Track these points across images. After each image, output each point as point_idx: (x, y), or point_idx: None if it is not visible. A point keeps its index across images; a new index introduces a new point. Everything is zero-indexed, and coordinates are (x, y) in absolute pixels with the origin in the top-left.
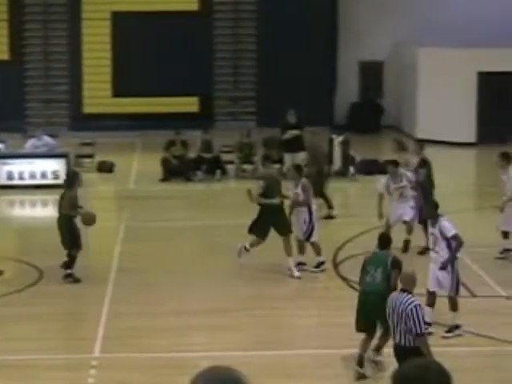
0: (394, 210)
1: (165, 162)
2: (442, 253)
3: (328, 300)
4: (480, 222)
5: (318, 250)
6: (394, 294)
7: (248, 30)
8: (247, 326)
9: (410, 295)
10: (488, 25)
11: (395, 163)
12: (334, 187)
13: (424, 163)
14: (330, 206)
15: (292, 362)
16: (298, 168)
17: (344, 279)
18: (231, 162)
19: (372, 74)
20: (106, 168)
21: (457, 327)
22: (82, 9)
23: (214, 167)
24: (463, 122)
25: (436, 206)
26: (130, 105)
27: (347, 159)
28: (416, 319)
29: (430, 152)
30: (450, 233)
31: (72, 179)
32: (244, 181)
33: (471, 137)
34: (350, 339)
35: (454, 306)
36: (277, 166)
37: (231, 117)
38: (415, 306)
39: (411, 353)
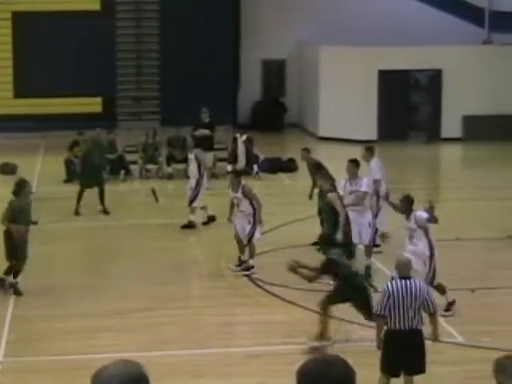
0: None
1: (68, 163)
2: (420, 244)
3: (235, 298)
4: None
5: (252, 252)
6: (397, 284)
7: (150, 29)
8: (155, 326)
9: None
10: (388, 23)
11: (356, 162)
12: None
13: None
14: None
15: (200, 361)
16: (236, 173)
17: (250, 278)
18: (135, 163)
19: (274, 72)
20: (8, 170)
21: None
22: None
23: (118, 167)
24: (364, 120)
25: (411, 201)
26: (32, 105)
27: (251, 158)
28: (433, 299)
29: (331, 150)
30: (425, 216)
31: (19, 187)
32: (148, 181)
33: (372, 134)
34: (256, 337)
35: (441, 291)
36: (181, 165)
37: (135, 117)
38: (429, 288)
39: (421, 334)
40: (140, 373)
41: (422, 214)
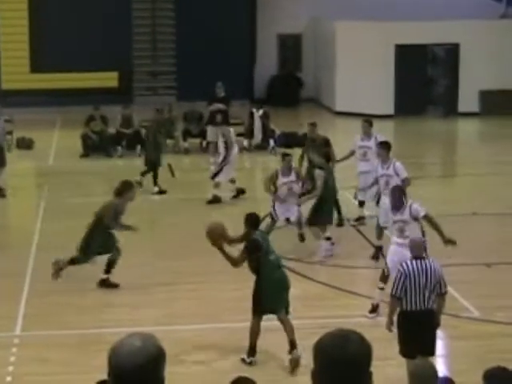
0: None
1: (84, 138)
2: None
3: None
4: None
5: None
6: (412, 264)
7: (166, 4)
8: (171, 301)
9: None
10: None
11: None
12: (254, 160)
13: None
14: None
15: (216, 336)
16: (285, 155)
17: None
18: None
19: (290, 46)
20: (24, 145)
21: None
22: None
23: (134, 142)
24: (381, 95)
25: (403, 192)
26: (49, 80)
27: (267, 132)
28: (444, 278)
29: (348, 124)
30: (422, 213)
31: (123, 188)
32: (164, 156)
33: (389, 109)
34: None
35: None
36: (198, 140)
37: (151, 92)
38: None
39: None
40: (158, 346)
41: (418, 208)
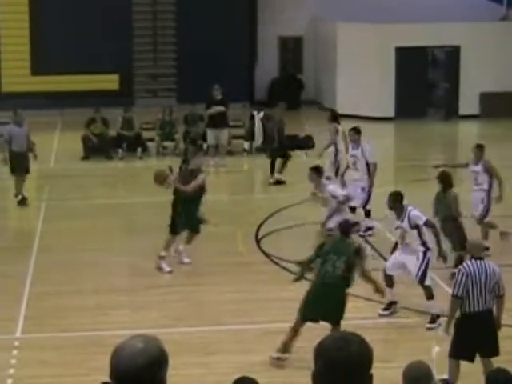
0: None
1: (85, 140)
2: (415, 243)
3: (250, 275)
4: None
5: None
6: (473, 265)
7: (167, 6)
8: (169, 303)
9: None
10: (402, 0)
11: None
12: (255, 163)
13: None
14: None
15: (215, 338)
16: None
17: (266, 254)
18: (152, 140)
19: (291, 48)
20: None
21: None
22: None
23: (134, 145)
24: (382, 97)
25: (401, 197)
26: (49, 83)
27: (268, 135)
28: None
29: (349, 127)
30: (422, 220)
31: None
32: (165, 158)
33: (390, 112)
34: (272, 314)
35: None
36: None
37: (151, 94)
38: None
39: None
40: (160, 349)
41: (418, 215)
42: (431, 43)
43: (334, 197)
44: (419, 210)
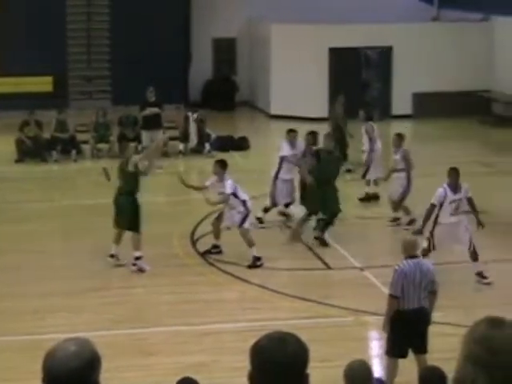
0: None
1: (19, 143)
2: (462, 213)
3: (187, 276)
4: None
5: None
6: (409, 264)
7: (101, 8)
8: (108, 305)
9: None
10: (338, 1)
11: None
12: (190, 164)
13: None
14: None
15: (153, 340)
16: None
17: (202, 256)
18: (86, 142)
19: (225, 50)
20: None
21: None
22: None
23: (69, 147)
24: (315, 98)
25: (458, 174)
26: None
27: (203, 136)
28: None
29: (283, 128)
30: (469, 192)
31: None
32: (99, 160)
33: (324, 112)
34: (209, 315)
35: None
36: (133, 144)
37: (86, 96)
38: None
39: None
40: (93, 351)
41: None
42: (364, 44)
43: (221, 192)
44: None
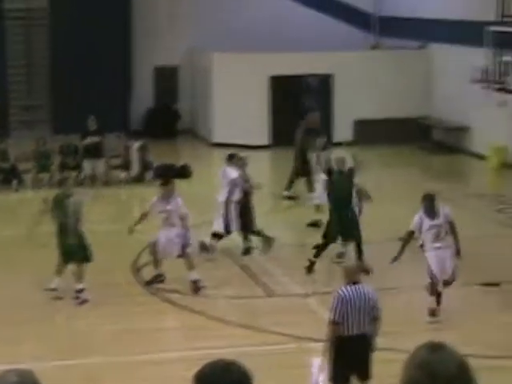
0: None
1: None
2: (448, 239)
3: (129, 306)
4: (275, 222)
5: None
6: (349, 290)
7: (41, 36)
8: (48, 336)
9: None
10: (280, 29)
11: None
12: (132, 193)
13: None
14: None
15: (96, 370)
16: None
17: (145, 285)
18: (27, 172)
19: (167, 78)
20: None
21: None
22: None
23: (10, 177)
24: (257, 126)
25: (431, 197)
26: None
27: (145, 164)
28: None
29: (224, 156)
30: (450, 216)
31: None
32: (40, 190)
33: (265, 139)
34: (152, 344)
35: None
36: (74, 173)
37: (26, 125)
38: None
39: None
40: (35, 382)
41: (450, 212)
42: (305, 72)
43: (165, 211)
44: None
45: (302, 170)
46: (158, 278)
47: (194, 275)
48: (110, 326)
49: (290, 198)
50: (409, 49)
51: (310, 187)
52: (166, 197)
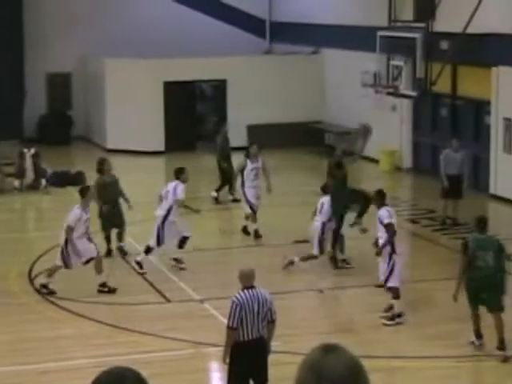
0: None
1: None
2: (382, 238)
3: (25, 314)
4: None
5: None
6: (245, 295)
7: None
8: None
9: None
10: (173, 35)
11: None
12: (26, 201)
13: None
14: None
15: None
16: None
17: (39, 293)
18: None
19: (60, 85)
20: None
21: (399, 315)
22: None
23: None
24: (152, 132)
25: (383, 194)
26: None
27: (39, 172)
28: (275, 308)
29: (119, 162)
30: (385, 221)
31: None
32: None
33: (160, 146)
34: (48, 353)
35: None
36: None
37: None
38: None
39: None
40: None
41: (385, 215)
42: (199, 77)
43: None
44: (389, 212)
45: (224, 174)
46: (47, 289)
47: (103, 278)
48: (4, 336)
49: (234, 200)
50: (301, 54)
51: (232, 189)
52: (85, 206)
